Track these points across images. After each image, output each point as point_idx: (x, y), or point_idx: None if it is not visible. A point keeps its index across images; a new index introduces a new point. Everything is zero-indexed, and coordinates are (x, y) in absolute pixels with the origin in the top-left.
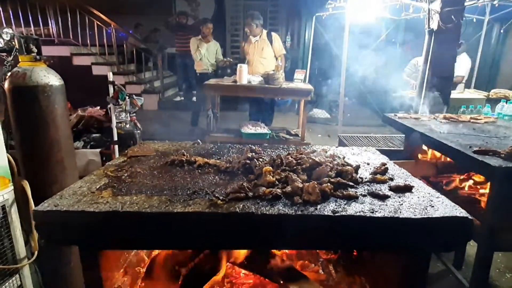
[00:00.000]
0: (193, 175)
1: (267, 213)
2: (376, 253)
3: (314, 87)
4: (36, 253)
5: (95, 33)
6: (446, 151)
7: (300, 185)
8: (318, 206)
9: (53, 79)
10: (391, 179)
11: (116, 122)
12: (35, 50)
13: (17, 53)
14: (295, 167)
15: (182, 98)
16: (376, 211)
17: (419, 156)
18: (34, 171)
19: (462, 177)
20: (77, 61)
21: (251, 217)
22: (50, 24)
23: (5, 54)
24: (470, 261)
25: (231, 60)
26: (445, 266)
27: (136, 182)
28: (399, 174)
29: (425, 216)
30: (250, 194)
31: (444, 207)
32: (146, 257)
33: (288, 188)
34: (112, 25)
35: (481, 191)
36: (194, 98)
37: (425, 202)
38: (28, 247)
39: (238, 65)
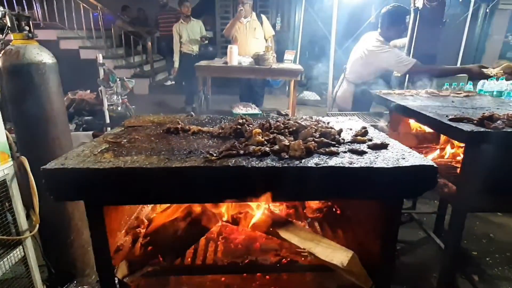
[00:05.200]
0: (188, 140)
1: (257, 166)
2: (357, 209)
3: (305, 69)
4: (37, 226)
5: (82, 16)
6: (425, 120)
7: (287, 143)
8: (303, 160)
9: (46, 57)
10: (370, 140)
11: (108, 105)
12: (26, 28)
13: (9, 31)
14: (282, 130)
15: (173, 82)
16: (354, 163)
17: (402, 129)
18: (30, 148)
19: (440, 146)
20: (64, 45)
21: (243, 170)
22: (35, 7)
23: None
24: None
25: (206, 35)
26: (426, 233)
27: (135, 146)
28: (377, 136)
29: (396, 166)
30: (242, 152)
31: (414, 159)
32: (146, 220)
33: (276, 147)
34: (99, 8)
35: (458, 158)
36: (184, 83)
37: (398, 155)
38: (29, 222)
39: (229, 46)
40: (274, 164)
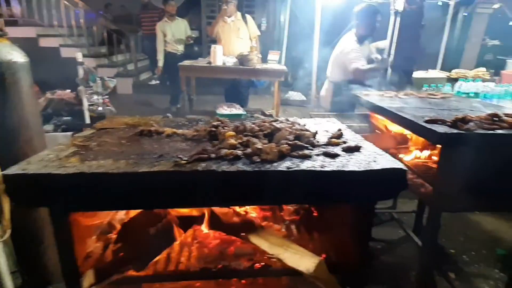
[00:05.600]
0: (160, 143)
1: (227, 170)
2: (333, 211)
3: (291, 70)
4: (8, 232)
5: (63, 13)
6: (402, 122)
7: (260, 147)
8: (275, 164)
9: (17, 56)
10: (345, 142)
11: (88, 105)
12: None
13: None
14: (257, 133)
15: (158, 82)
16: (325, 166)
17: (381, 130)
18: (0, 151)
19: (418, 147)
20: (44, 42)
21: (212, 174)
22: (12, 4)
23: None
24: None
25: (192, 35)
26: (405, 232)
27: (104, 150)
28: (352, 138)
29: (367, 169)
30: (213, 155)
31: (385, 162)
32: (118, 225)
33: (249, 150)
34: (80, 5)
35: (434, 158)
36: (168, 82)
37: (370, 158)
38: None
39: (212, 46)
40: (245, 168)
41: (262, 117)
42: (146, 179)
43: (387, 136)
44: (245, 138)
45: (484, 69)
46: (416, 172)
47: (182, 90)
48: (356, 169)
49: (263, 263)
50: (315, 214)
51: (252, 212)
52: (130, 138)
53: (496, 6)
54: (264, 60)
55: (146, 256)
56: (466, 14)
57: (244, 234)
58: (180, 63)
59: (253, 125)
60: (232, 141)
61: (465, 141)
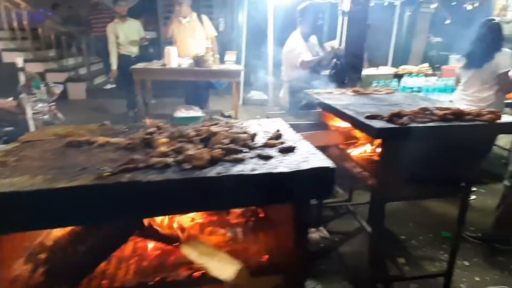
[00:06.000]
0: (89, 154)
1: (152, 180)
2: (277, 211)
3: (252, 69)
4: None
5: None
6: (346, 119)
7: (191, 153)
8: (205, 170)
9: None
10: (283, 143)
11: (33, 113)
12: None
13: None
14: (192, 138)
15: (114, 86)
16: (256, 169)
17: (331, 127)
18: None
19: (364, 142)
20: None
21: (138, 185)
22: None
23: None
24: None
25: (146, 36)
26: (360, 223)
27: (22, 166)
28: (291, 139)
29: (296, 169)
30: (141, 165)
31: (316, 161)
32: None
33: (180, 157)
34: (22, 6)
35: (378, 151)
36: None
37: (302, 158)
38: None
39: (166, 48)
40: (173, 176)
41: (221, 118)
42: (64, 195)
43: (336, 133)
44: (178, 145)
45: (427, 65)
46: (362, 165)
47: (136, 94)
48: (286, 170)
49: (202, 272)
50: (261, 215)
51: (198, 218)
52: (56, 151)
53: (433, 6)
54: (223, 60)
55: (78, 274)
56: (410, 13)
57: (176, 244)
58: (133, 66)
59: (189, 131)
60: (163, 148)
61: (400, 135)
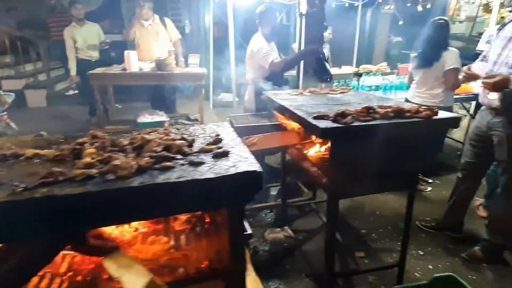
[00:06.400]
0: (11, 168)
1: (70, 193)
2: (221, 216)
3: (221, 71)
4: None
5: None
6: (297, 119)
7: (117, 163)
8: (129, 180)
9: None
10: (220, 148)
11: None
12: None
13: None
14: (125, 147)
15: (76, 92)
16: (183, 177)
17: (288, 127)
18: None
19: (319, 141)
20: None
21: (53, 199)
22: None
23: None
24: (341, 213)
25: (108, 40)
26: (323, 221)
27: None
28: (230, 143)
29: (221, 175)
30: (61, 178)
31: (244, 166)
32: None
33: (106, 167)
34: None
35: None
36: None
37: (233, 163)
38: None
39: (126, 52)
40: (93, 188)
41: (186, 122)
42: None
43: (292, 133)
44: (106, 155)
45: (385, 63)
46: (317, 164)
47: (96, 100)
48: (212, 176)
49: None
50: (207, 219)
51: (142, 227)
52: None
53: (387, 7)
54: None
55: None
56: (369, 14)
57: (103, 257)
58: (91, 71)
59: (121, 139)
60: (88, 159)
61: (344, 134)
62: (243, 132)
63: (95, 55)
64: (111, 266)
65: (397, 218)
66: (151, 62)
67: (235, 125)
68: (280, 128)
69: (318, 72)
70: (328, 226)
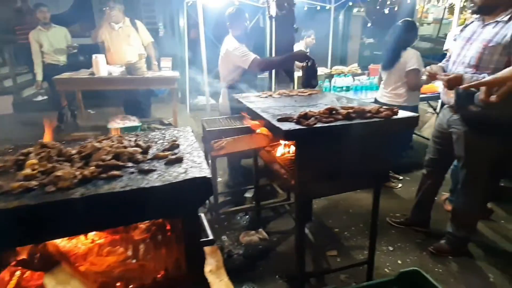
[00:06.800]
0: None
1: (4, 208)
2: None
3: (196, 74)
4: None
5: None
6: (263, 121)
7: (58, 174)
8: (69, 191)
9: None
10: (175, 154)
11: None
12: None
13: None
14: (72, 156)
15: (45, 97)
16: (128, 186)
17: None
18: None
19: (286, 143)
20: None
21: None
22: None
23: None
24: (316, 213)
25: (75, 44)
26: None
27: None
28: (187, 148)
29: (168, 183)
30: None
31: (196, 172)
32: None
33: (46, 179)
34: None
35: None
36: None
37: (184, 170)
38: None
39: (93, 55)
40: (28, 202)
41: (160, 127)
42: None
43: (261, 136)
44: (50, 165)
45: (356, 65)
46: (285, 166)
47: (62, 106)
48: (159, 184)
49: None
50: (167, 227)
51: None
52: None
53: (355, 10)
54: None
55: None
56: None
57: (44, 272)
58: (56, 76)
59: (69, 148)
60: (29, 170)
61: (307, 135)
62: (214, 135)
63: (62, 59)
64: (50, 282)
65: (369, 216)
66: (121, 66)
67: (207, 129)
68: (251, 130)
69: (308, 78)
70: (297, 227)
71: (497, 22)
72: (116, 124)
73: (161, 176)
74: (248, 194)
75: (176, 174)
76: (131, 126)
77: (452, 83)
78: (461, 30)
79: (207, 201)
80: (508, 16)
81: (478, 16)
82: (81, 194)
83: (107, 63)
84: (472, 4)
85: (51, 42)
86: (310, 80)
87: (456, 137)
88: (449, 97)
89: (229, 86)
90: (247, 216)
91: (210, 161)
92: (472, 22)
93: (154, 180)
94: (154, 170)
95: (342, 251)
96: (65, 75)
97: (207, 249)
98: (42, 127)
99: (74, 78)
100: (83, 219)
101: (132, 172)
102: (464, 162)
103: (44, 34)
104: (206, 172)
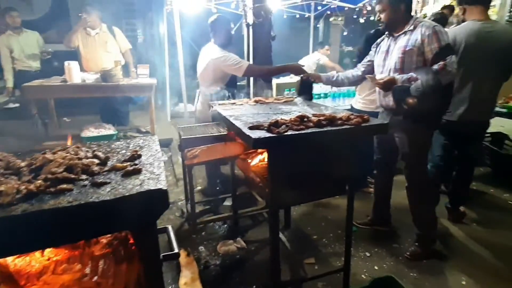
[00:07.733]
0: None
1: None
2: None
3: (176, 81)
4: None
5: None
6: (235, 130)
7: (1, 189)
8: (11, 207)
9: None
10: (135, 164)
11: None
12: None
13: None
14: (21, 169)
15: (18, 105)
16: (76, 201)
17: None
18: None
19: (261, 151)
20: None
21: None
22: None
23: None
24: (295, 220)
25: (50, 50)
26: None
27: None
28: (148, 159)
29: (119, 196)
30: None
31: (152, 183)
32: None
33: None
34: None
35: None
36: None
37: (140, 181)
38: None
39: (66, 62)
40: None
41: (136, 135)
42: None
43: (236, 144)
44: None
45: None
46: (258, 174)
47: (33, 114)
48: (110, 198)
49: None
50: (131, 241)
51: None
52: None
53: (332, 19)
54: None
55: None
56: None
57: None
58: (25, 84)
59: (19, 161)
60: None
61: (277, 143)
62: (190, 143)
63: (34, 65)
64: None
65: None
66: (96, 73)
67: (182, 137)
68: (228, 138)
69: (304, 92)
70: (271, 236)
71: (405, 32)
72: (90, 132)
73: (114, 189)
74: (228, 203)
75: (131, 186)
76: (106, 134)
77: (388, 85)
78: (377, 45)
79: (184, 211)
80: (413, 26)
81: (387, 32)
82: (23, 210)
83: (83, 70)
84: (381, 23)
85: (22, 47)
86: (306, 94)
87: (399, 136)
88: (386, 98)
89: (211, 92)
90: (225, 225)
91: (186, 170)
92: (383, 39)
93: (105, 193)
94: (108, 183)
95: (320, 258)
96: (36, 82)
97: (182, 260)
98: (13, 135)
99: (45, 86)
100: (29, 236)
101: (85, 185)
102: (409, 161)
103: (15, 39)
104: (162, 184)
